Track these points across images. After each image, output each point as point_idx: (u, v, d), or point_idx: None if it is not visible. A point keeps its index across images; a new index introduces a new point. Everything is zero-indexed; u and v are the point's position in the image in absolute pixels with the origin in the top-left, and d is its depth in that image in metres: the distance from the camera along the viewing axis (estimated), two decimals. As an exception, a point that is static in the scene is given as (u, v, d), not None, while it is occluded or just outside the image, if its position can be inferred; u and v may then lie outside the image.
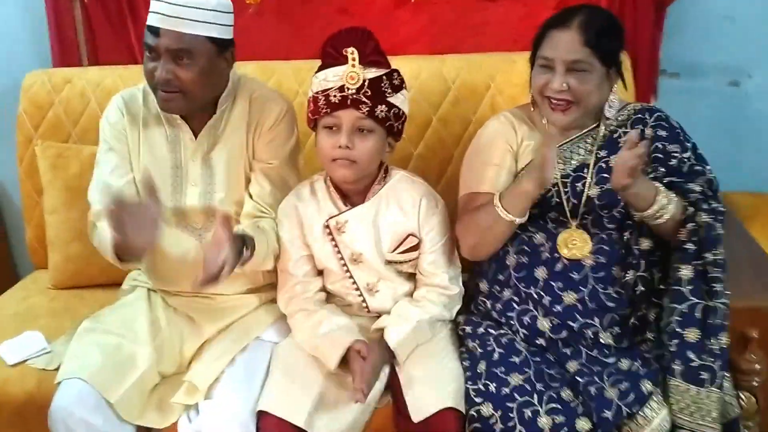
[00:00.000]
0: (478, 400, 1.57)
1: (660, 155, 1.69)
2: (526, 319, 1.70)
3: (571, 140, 1.76)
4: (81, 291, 2.18)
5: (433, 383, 1.62)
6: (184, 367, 1.76)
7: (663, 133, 1.71)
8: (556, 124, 1.71)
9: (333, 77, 1.62)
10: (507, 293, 1.74)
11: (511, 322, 1.72)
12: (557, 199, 1.72)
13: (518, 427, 1.51)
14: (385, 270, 1.75)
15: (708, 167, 1.70)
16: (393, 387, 1.68)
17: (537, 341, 1.69)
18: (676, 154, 1.69)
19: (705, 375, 1.53)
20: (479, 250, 1.74)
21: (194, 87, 1.66)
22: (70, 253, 2.17)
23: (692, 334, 1.54)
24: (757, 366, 1.61)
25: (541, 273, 1.71)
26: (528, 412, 1.53)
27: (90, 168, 1.85)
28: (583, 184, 1.70)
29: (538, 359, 1.64)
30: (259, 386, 1.66)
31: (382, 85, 1.63)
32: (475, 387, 1.60)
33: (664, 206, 1.58)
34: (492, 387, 1.58)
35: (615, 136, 1.74)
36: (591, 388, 1.56)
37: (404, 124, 1.72)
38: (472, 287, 1.83)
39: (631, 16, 2.38)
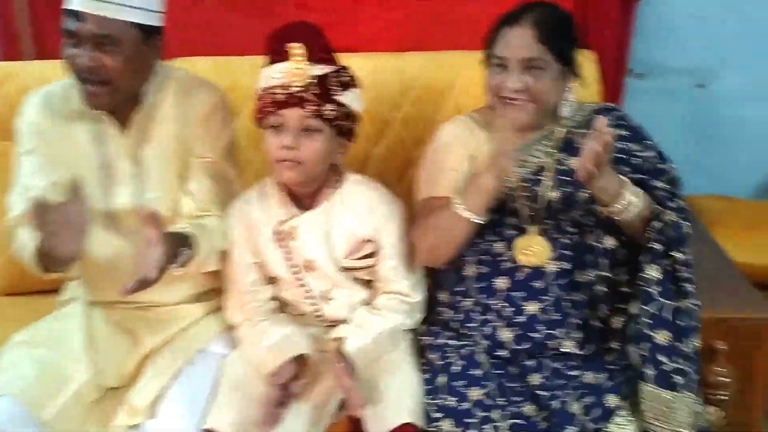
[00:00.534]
0: (437, 415, 1.52)
1: (623, 155, 1.64)
2: (488, 329, 1.65)
3: (529, 143, 1.70)
4: (13, 299, 2.06)
5: (391, 397, 1.56)
6: (125, 381, 1.66)
7: (624, 132, 1.67)
8: (515, 123, 1.66)
9: (278, 74, 1.55)
10: (467, 303, 1.69)
11: (473, 333, 1.66)
12: (516, 204, 1.67)
13: (478, 444, 1.46)
14: (339, 277, 1.68)
15: (671, 165, 1.67)
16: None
17: (499, 353, 1.63)
18: (639, 153, 1.65)
19: (679, 379, 1.48)
20: (437, 254, 1.67)
21: (120, 76, 1.56)
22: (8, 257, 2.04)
23: (663, 337, 1.49)
24: (725, 379, 1.56)
25: (502, 283, 1.66)
26: (489, 429, 1.47)
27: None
28: (543, 188, 1.65)
29: (499, 372, 1.59)
30: (206, 402, 1.57)
31: (330, 82, 1.56)
32: (435, 402, 1.54)
33: (631, 201, 1.53)
34: (452, 401, 1.52)
35: (573, 137, 1.69)
36: (554, 402, 1.50)
37: (356, 124, 1.65)
38: (432, 297, 1.77)
39: (597, 15, 2.36)
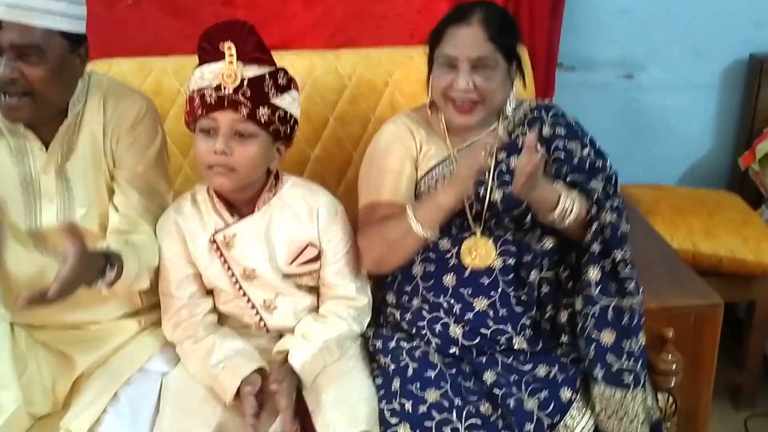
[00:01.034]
0: (393, 420, 1.48)
1: (561, 154, 1.65)
2: (438, 327, 1.62)
3: (471, 143, 1.69)
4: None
5: (345, 406, 1.50)
6: (59, 407, 1.57)
7: (561, 131, 1.68)
8: (461, 125, 1.65)
9: (209, 75, 1.47)
10: (416, 302, 1.66)
11: (423, 331, 1.63)
12: (460, 206, 1.64)
13: (438, 447, 1.43)
14: (282, 284, 1.62)
15: (608, 161, 1.68)
16: (300, 412, 1.53)
17: (450, 350, 1.61)
18: (576, 152, 1.66)
19: (628, 378, 1.49)
20: (385, 264, 1.65)
21: (45, 88, 1.45)
22: None
23: (608, 337, 1.50)
24: (674, 366, 1.58)
25: (449, 280, 1.64)
26: (447, 430, 1.44)
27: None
28: (485, 189, 1.64)
29: (453, 371, 1.56)
30: (148, 425, 1.49)
31: (265, 84, 1.49)
32: (390, 407, 1.50)
33: (568, 208, 1.54)
34: (408, 406, 1.49)
35: (513, 136, 1.70)
36: (510, 400, 1.49)
37: (294, 129, 1.58)
38: (378, 299, 1.73)
39: (528, 9, 2.37)
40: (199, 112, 1.47)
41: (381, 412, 1.51)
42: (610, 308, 1.52)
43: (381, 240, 1.60)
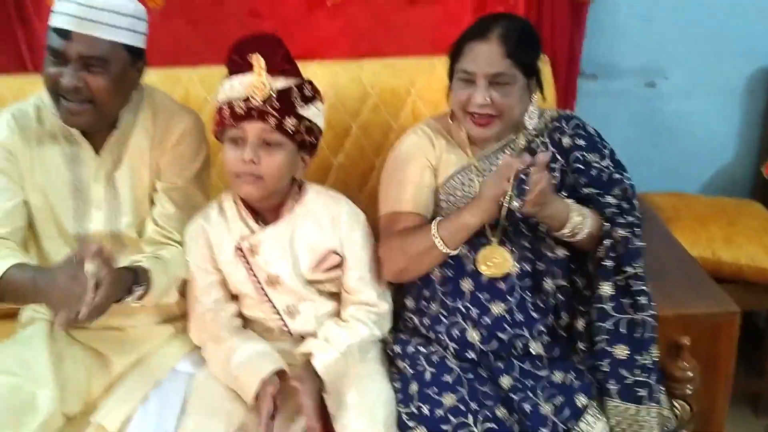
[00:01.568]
0: (411, 424, 1.51)
1: (580, 165, 1.67)
2: (456, 332, 1.64)
3: (492, 152, 1.72)
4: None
5: (364, 409, 1.53)
6: (91, 406, 1.61)
7: (581, 142, 1.69)
8: (478, 138, 1.68)
9: (238, 86, 1.52)
10: (434, 307, 1.69)
11: (441, 336, 1.66)
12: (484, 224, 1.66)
13: (454, 450, 1.45)
14: (305, 290, 1.66)
15: (626, 174, 1.69)
16: (320, 415, 1.56)
17: (468, 355, 1.63)
18: (596, 164, 1.67)
19: (642, 391, 1.51)
20: (406, 275, 1.69)
21: (105, 97, 1.52)
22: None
23: (621, 351, 1.52)
24: (690, 373, 1.59)
25: (466, 285, 1.66)
26: (463, 435, 1.46)
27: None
28: (505, 197, 1.64)
29: (470, 376, 1.58)
30: (174, 424, 1.53)
31: (292, 96, 1.53)
32: (408, 410, 1.53)
33: (579, 224, 1.56)
34: (425, 409, 1.52)
35: (533, 145, 1.71)
36: (525, 404, 1.51)
37: (319, 139, 1.62)
38: (398, 304, 1.76)
39: (549, 17, 2.38)
40: (229, 122, 1.52)
41: (399, 415, 1.53)
42: (623, 322, 1.53)
43: (403, 253, 1.63)
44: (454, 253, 1.61)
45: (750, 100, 2.74)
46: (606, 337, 1.54)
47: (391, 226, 1.69)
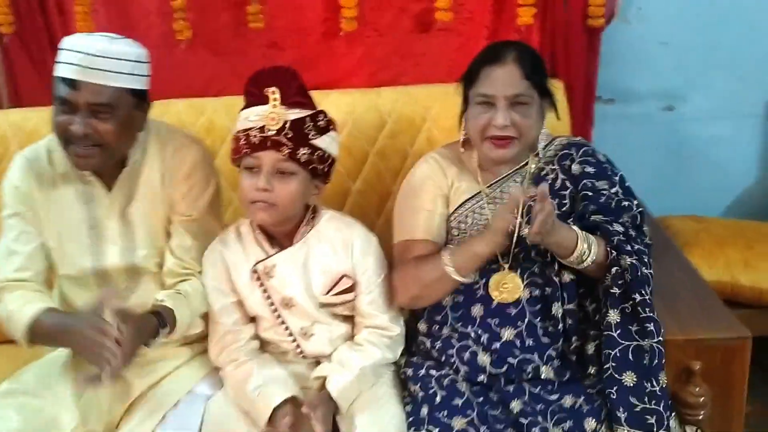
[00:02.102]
0: (421, 447, 1.52)
1: (589, 192, 1.67)
2: (466, 355, 1.66)
3: (502, 178, 1.74)
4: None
5: (376, 431, 1.55)
6: (113, 426, 1.65)
7: (590, 169, 1.70)
8: (497, 159, 1.69)
9: (254, 117, 1.58)
10: (445, 331, 1.71)
11: (452, 359, 1.68)
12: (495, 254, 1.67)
13: (462, 474, 1.46)
14: (318, 313, 1.69)
15: (635, 201, 1.69)
16: (333, 437, 1.61)
17: (478, 378, 1.65)
18: (604, 191, 1.67)
19: (651, 419, 1.50)
20: (420, 302, 1.72)
21: (113, 140, 1.58)
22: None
23: (629, 378, 1.53)
24: (702, 399, 1.59)
25: (477, 311, 1.68)
26: (472, 458, 1.48)
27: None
28: (515, 224, 1.65)
29: (480, 399, 1.60)
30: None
31: (305, 126, 1.58)
32: None
33: (585, 252, 1.56)
34: None
35: (543, 173, 1.73)
36: (535, 429, 1.52)
37: (332, 167, 1.67)
38: (411, 328, 1.78)
39: (563, 43, 2.39)
40: (244, 151, 1.58)
41: (410, 438, 1.54)
42: (630, 349, 1.54)
43: (416, 281, 1.66)
44: (467, 281, 1.63)
45: (768, 123, 2.73)
46: (614, 364, 1.54)
47: (405, 254, 1.72)
